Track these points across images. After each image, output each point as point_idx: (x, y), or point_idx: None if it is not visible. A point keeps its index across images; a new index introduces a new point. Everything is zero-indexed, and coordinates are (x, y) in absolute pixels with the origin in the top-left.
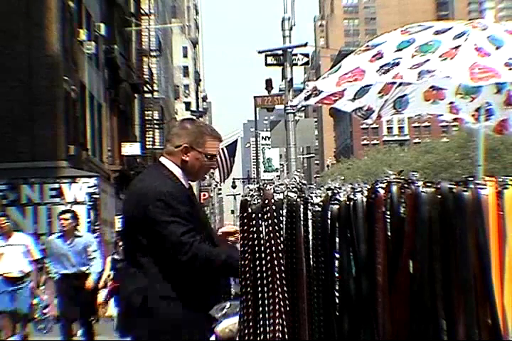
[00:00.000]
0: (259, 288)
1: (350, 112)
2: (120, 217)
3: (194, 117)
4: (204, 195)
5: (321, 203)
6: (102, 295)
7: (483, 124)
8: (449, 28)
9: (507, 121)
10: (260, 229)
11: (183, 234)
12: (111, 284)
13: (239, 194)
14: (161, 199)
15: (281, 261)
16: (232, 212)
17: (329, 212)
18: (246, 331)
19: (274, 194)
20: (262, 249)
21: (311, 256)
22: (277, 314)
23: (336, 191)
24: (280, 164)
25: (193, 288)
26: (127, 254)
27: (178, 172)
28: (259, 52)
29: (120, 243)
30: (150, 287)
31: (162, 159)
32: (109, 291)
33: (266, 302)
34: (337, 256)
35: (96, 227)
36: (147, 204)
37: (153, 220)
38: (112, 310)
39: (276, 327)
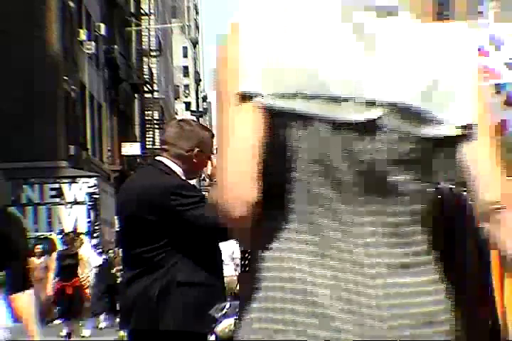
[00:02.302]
0: None
1: None
2: (118, 217)
3: (194, 117)
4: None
5: None
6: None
7: None
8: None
9: (507, 122)
10: None
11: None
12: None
13: None
14: (174, 192)
15: None
16: None
17: None
18: None
19: None
20: None
21: None
22: None
23: None
24: None
25: (211, 273)
26: (128, 254)
27: (179, 171)
28: None
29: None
30: (167, 276)
31: (162, 158)
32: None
33: None
34: None
35: (96, 227)
36: (161, 198)
37: (173, 211)
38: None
39: None
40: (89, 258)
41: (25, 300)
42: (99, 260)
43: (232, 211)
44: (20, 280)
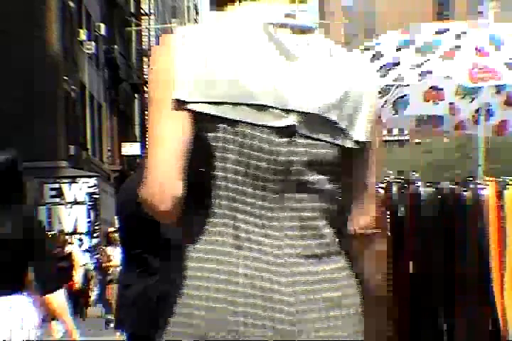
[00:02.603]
0: None
1: None
2: (118, 217)
3: None
4: None
5: None
6: None
7: (483, 126)
8: (449, 28)
9: (507, 122)
10: None
11: None
12: None
13: None
14: None
15: None
16: None
17: None
18: None
19: None
20: None
21: None
22: None
23: None
24: None
25: None
26: (128, 254)
27: None
28: None
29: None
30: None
31: None
32: None
33: None
34: None
35: (96, 227)
36: None
37: None
38: None
39: None
40: (79, 259)
41: (60, 300)
42: (84, 259)
43: (158, 206)
44: (52, 281)
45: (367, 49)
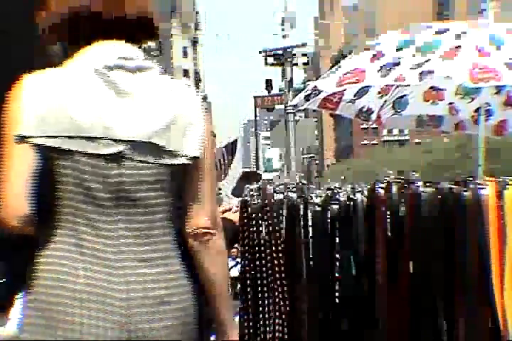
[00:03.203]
0: (259, 288)
1: (353, 118)
2: None
3: None
4: None
5: (321, 203)
6: None
7: (483, 126)
8: (449, 28)
9: (506, 122)
10: (260, 229)
11: None
12: None
13: None
14: None
15: (281, 261)
16: None
17: (329, 212)
18: (246, 331)
19: (274, 194)
20: (262, 248)
21: (311, 256)
22: (277, 314)
23: (336, 191)
24: (282, 165)
25: None
26: None
27: None
28: (260, 52)
29: None
30: None
31: None
32: None
33: (266, 302)
34: (337, 256)
35: None
36: None
37: None
38: None
39: (276, 327)
40: None
41: None
42: None
43: (9, 222)
44: None
45: (367, 49)
